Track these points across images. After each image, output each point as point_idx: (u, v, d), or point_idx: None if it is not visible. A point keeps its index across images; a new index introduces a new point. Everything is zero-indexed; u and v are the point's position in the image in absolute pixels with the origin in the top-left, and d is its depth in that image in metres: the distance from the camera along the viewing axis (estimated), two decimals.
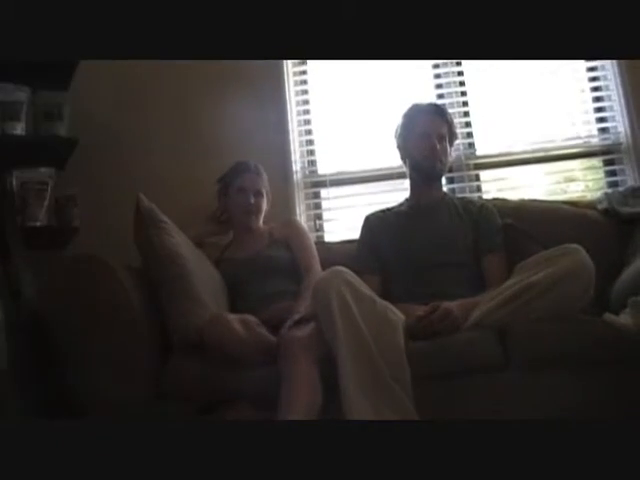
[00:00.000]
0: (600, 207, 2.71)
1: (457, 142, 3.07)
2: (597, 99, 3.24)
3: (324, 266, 2.28)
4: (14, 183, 2.62)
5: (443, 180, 2.72)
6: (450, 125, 2.56)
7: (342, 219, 3.20)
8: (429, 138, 2.48)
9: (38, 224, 2.64)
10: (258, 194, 2.61)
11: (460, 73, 3.28)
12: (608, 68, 3.19)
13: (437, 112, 2.56)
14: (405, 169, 2.64)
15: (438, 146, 2.47)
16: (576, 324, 1.95)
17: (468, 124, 3.24)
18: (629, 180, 3.07)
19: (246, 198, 2.58)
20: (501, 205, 2.67)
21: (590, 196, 3.06)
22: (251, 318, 2.03)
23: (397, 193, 2.93)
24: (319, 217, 3.22)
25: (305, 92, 3.32)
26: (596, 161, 3.22)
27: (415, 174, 2.58)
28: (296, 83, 3.30)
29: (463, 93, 3.27)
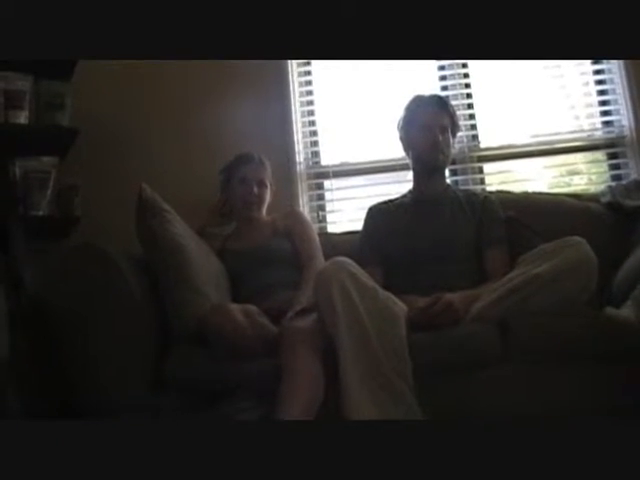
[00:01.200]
0: (603, 200, 2.70)
1: (461, 134, 3.08)
2: (601, 92, 3.23)
3: (327, 257, 2.28)
4: (16, 172, 2.63)
5: (446, 172, 2.71)
6: (452, 116, 2.54)
7: (345, 210, 3.20)
8: (431, 130, 2.47)
9: (40, 213, 2.65)
10: (261, 184, 2.61)
11: (464, 65, 3.27)
12: (612, 62, 3.18)
13: (439, 104, 2.55)
14: (408, 161, 2.64)
15: (440, 138, 2.46)
16: (578, 317, 1.95)
17: (472, 116, 3.24)
18: (632, 173, 3.05)
19: (249, 188, 2.58)
20: (504, 198, 2.66)
21: (593, 189, 3.06)
22: (253, 308, 2.03)
23: (401, 185, 2.93)
24: (322, 208, 3.21)
25: (309, 83, 3.31)
26: (600, 154, 3.22)
27: (418, 166, 2.57)
28: (300, 74, 3.29)
29: (467, 85, 3.26)
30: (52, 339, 1.98)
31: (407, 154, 2.62)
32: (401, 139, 2.62)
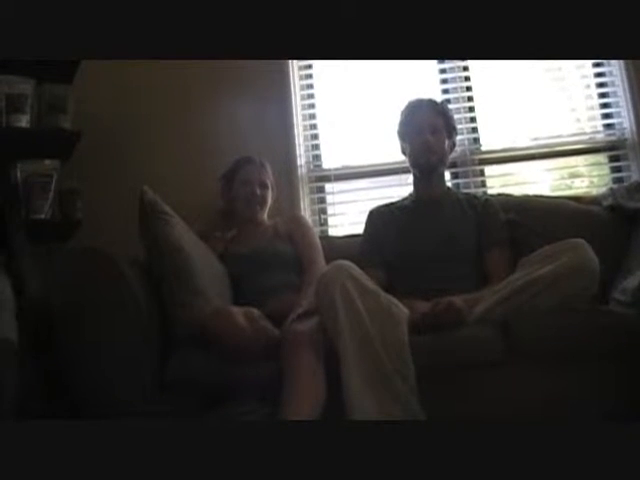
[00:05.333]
0: (605, 203, 2.70)
1: (462, 137, 3.09)
2: (602, 95, 3.22)
3: (328, 261, 2.27)
4: (18, 176, 2.62)
5: (447, 175, 2.71)
6: (446, 117, 2.57)
7: (347, 214, 3.20)
8: (422, 132, 2.50)
9: (42, 217, 2.65)
10: (263, 186, 2.62)
11: (465, 68, 3.27)
12: (614, 64, 3.18)
13: (429, 105, 2.58)
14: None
15: (431, 138, 2.48)
16: (580, 318, 1.95)
17: (473, 119, 3.24)
18: (634, 176, 3.05)
19: (251, 189, 2.60)
20: (505, 201, 2.66)
21: (595, 192, 3.05)
22: (254, 311, 2.02)
23: (402, 188, 2.93)
24: (323, 212, 3.21)
25: (310, 86, 3.31)
26: (601, 157, 3.21)
27: (415, 169, 2.59)
28: (301, 77, 3.29)
29: (468, 88, 3.25)
30: (54, 342, 1.98)
31: (407, 159, 2.63)
32: (400, 144, 2.64)
